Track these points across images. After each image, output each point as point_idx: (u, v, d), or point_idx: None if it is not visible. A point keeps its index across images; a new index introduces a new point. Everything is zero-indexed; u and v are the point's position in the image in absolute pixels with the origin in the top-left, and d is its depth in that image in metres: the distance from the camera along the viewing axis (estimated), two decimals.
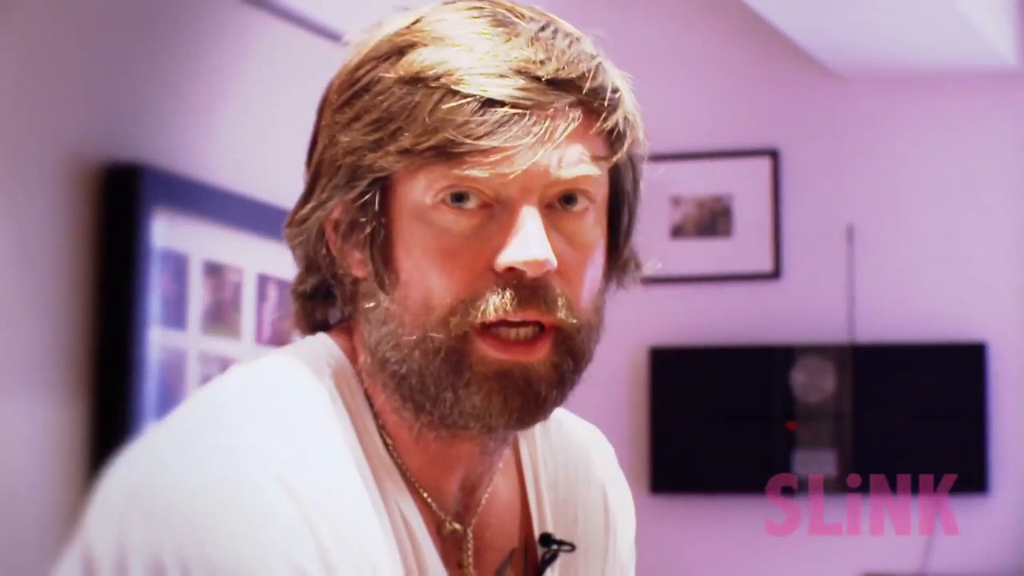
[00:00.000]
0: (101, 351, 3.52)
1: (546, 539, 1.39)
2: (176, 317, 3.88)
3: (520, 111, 1.20)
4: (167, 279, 3.84)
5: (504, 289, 1.20)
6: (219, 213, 4.01)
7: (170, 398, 3.43)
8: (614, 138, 1.28)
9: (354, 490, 1.26)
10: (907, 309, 5.41)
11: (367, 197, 1.24)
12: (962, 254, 5.38)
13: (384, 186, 1.25)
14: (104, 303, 3.56)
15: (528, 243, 1.19)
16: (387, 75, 1.23)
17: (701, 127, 5.48)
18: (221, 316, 4.01)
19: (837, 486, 5.12)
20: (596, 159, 1.25)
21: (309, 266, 1.32)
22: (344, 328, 1.34)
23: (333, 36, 4.19)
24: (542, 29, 1.24)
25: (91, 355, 3.51)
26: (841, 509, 5.25)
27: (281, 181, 3.59)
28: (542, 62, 1.22)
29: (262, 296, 4.07)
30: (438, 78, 1.20)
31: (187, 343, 3.82)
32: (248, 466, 1.19)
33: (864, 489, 5.18)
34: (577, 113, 1.23)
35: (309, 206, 1.28)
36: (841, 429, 5.11)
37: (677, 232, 5.29)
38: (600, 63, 1.28)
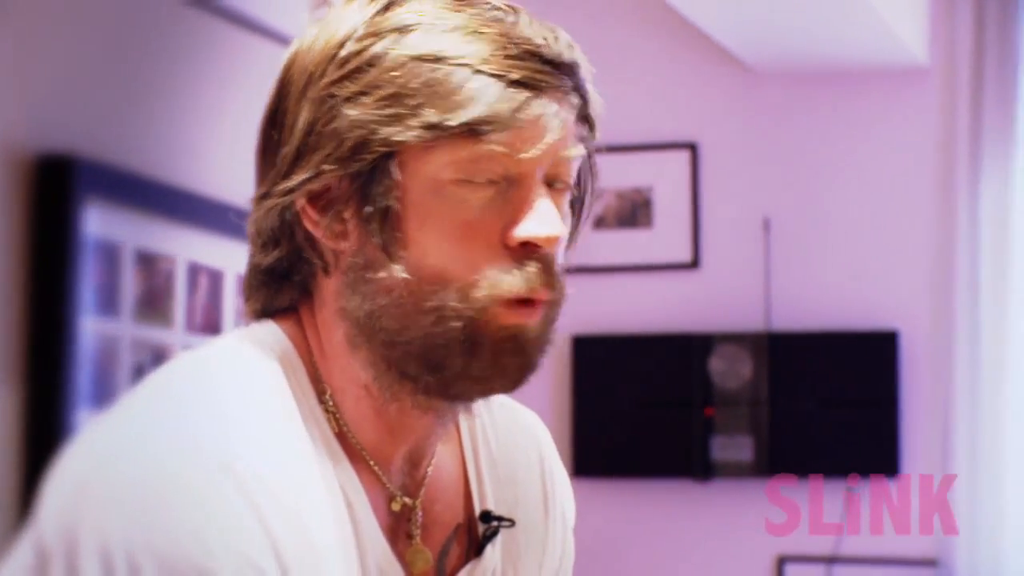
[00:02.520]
0: (34, 340, 3.50)
1: (487, 516, 1.42)
2: (109, 305, 3.86)
3: (536, 92, 1.23)
4: (99, 268, 3.88)
5: (525, 265, 1.24)
6: (151, 203, 3.98)
7: (104, 386, 3.41)
8: (591, 125, 1.33)
9: (301, 476, 1.28)
10: (822, 298, 5.45)
11: (377, 169, 1.25)
12: (874, 245, 5.46)
13: (393, 159, 1.25)
14: (37, 292, 3.56)
15: (546, 218, 1.23)
16: (396, 51, 1.25)
17: (621, 121, 5.64)
18: (153, 304, 4.01)
19: (753, 471, 5.12)
20: (581, 141, 1.33)
21: (272, 241, 1.33)
22: (291, 315, 1.34)
23: (268, 33, 4.16)
24: (519, 16, 1.25)
25: (25, 344, 3.51)
26: (758, 493, 5.23)
27: (212, 171, 3.88)
28: (548, 45, 1.25)
29: (193, 285, 4.11)
30: (461, 57, 1.23)
31: (120, 331, 3.79)
32: (197, 455, 1.21)
33: (779, 473, 5.19)
34: (576, 97, 1.28)
35: (295, 180, 1.27)
36: (758, 415, 5.12)
37: (599, 223, 5.31)
38: (578, 50, 1.35)
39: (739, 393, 5.15)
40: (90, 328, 3.78)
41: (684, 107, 5.53)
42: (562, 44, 1.28)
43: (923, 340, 5.39)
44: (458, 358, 1.25)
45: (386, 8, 1.28)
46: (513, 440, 1.52)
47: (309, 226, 1.30)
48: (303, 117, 1.28)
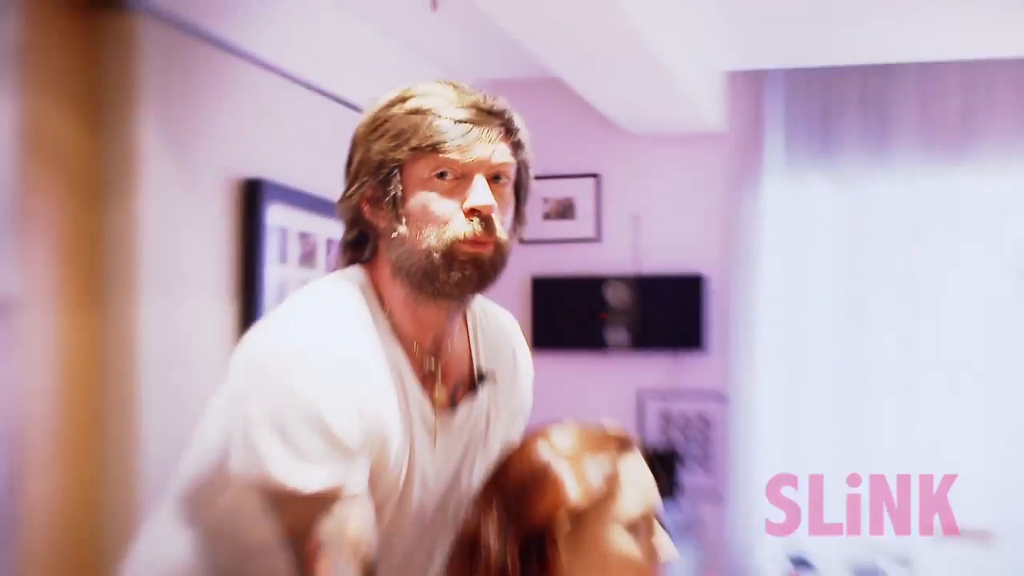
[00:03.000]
0: (244, 278, 4.25)
1: (480, 373, 1.89)
2: (282, 259, 4.68)
3: (474, 126, 1.73)
4: (277, 240, 4.65)
5: (472, 222, 1.73)
6: (304, 206, 4.77)
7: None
8: (518, 147, 1.80)
9: (370, 354, 1.73)
10: (661, 256, 6.54)
11: (391, 175, 1.73)
12: (694, 226, 6.47)
13: (398, 170, 1.73)
14: (245, 252, 4.26)
15: (481, 196, 1.72)
16: (397, 111, 1.75)
17: (560, 161, 6.59)
18: (307, 259, 4.89)
19: (627, 348, 6.50)
20: (511, 155, 1.77)
21: (350, 225, 1.83)
22: (366, 263, 1.83)
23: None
24: (471, 88, 1.77)
25: (239, 281, 4.24)
26: (630, 359, 6.56)
27: (329, 185, 3.67)
28: (484, 100, 1.76)
29: (327, 249, 4.99)
30: (428, 110, 1.72)
31: (288, 274, 4.58)
32: (309, 348, 1.69)
33: (641, 347, 6.49)
34: (501, 130, 1.77)
35: (353, 188, 1.78)
36: (631, 319, 6.47)
37: (547, 216, 6.61)
38: (510, 108, 1.79)
39: (620, 307, 6.49)
40: (272, 272, 4.44)
41: (592, 153, 6.59)
42: (493, 100, 1.77)
43: (722, 284, 6.45)
44: (442, 274, 1.73)
45: (400, 92, 1.79)
46: (496, 330, 1.97)
47: (367, 215, 1.79)
48: (357, 156, 1.79)
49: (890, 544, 5.66)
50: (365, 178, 1.76)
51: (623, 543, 1.64)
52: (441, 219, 1.74)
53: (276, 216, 4.61)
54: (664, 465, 6.12)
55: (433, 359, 1.82)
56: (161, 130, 3.73)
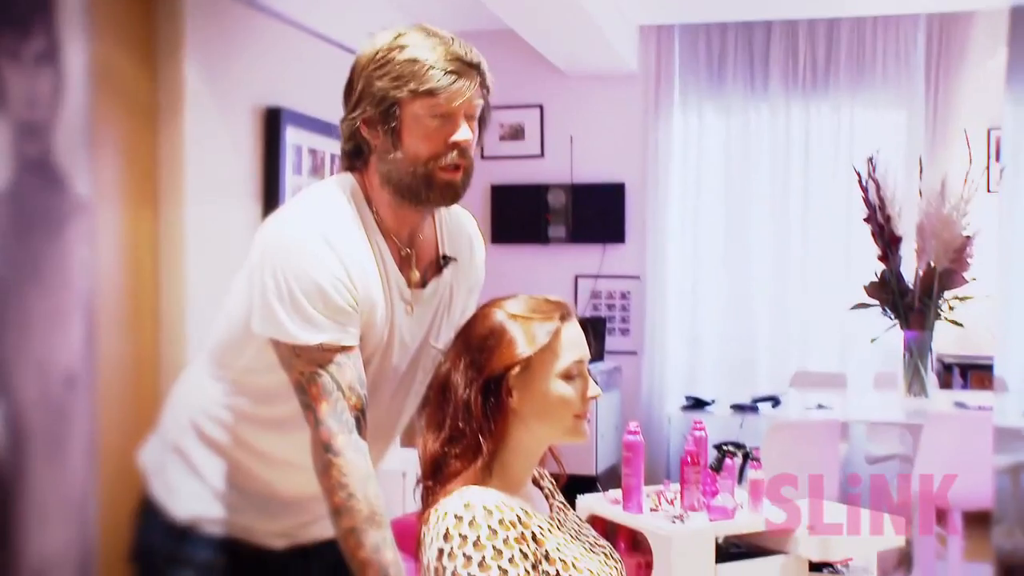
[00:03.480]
0: (266, 183, 4.26)
1: (445, 256, 1.84)
2: (297, 169, 4.68)
3: (459, 77, 1.68)
4: (293, 155, 4.63)
5: (453, 152, 1.69)
6: (314, 129, 4.72)
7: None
8: (486, 92, 1.74)
9: (359, 240, 1.70)
10: (591, 168, 6.49)
11: (391, 109, 1.68)
12: (617, 146, 6.47)
13: (396, 104, 1.68)
14: (267, 163, 4.28)
15: (464, 132, 1.68)
16: (397, 56, 1.68)
17: (513, 94, 6.48)
18: (316, 170, 4.88)
19: (564, 240, 6.46)
20: (482, 99, 1.72)
21: (348, 139, 1.75)
22: (359, 170, 1.77)
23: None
24: (458, 39, 1.70)
25: (265, 185, 4.23)
26: (565, 250, 6.52)
27: (331, 111, 3.98)
28: (466, 54, 1.70)
29: (332, 163, 4.94)
30: (425, 60, 1.67)
31: (302, 182, 4.53)
32: (311, 231, 1.67)
33: (575, 240, 6.47)
34: (478, 80, 1.71)
35: (356, 112, 1.72)
36: (567, 219, 6.49)
37: (502, 138, 6.60)
38: (482, 59, 1.72)
39: (559, 208, 6.48)
40: (289, 180, 4.45)
41: (537, 88, 6.51)
42: (472, 53, 1.71)
43: (638, 190, 6.39)
44: (423, 191, 1.71)
45: (395, 38, 1.70)
46: (457, 223, 1.92)
47: (364, 133, 1.72)
48: (359, 85, 1.71)
49: (763, 389, 5.78)
50: (366, 106, 1.69)
51: (561, 386, 1.62)
52: (429, 149, 1.69)
53: (292, 136, 4.62)
54: (594, 330, 6.21)
55: (409, 247, 1.78)
56: (202, 68, 3.75)
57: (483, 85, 1.72)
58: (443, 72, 1.66)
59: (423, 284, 1.80)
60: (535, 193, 6.50)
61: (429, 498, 1.62)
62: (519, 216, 6.52)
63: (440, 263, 1.84)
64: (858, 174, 5.07)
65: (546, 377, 1.61)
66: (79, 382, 0.72)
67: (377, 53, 1.69)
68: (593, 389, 1.64)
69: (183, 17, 3.71)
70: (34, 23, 0.70)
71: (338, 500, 1.59)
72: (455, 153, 1.69)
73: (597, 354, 6.15)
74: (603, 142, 6.45)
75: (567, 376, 1.63)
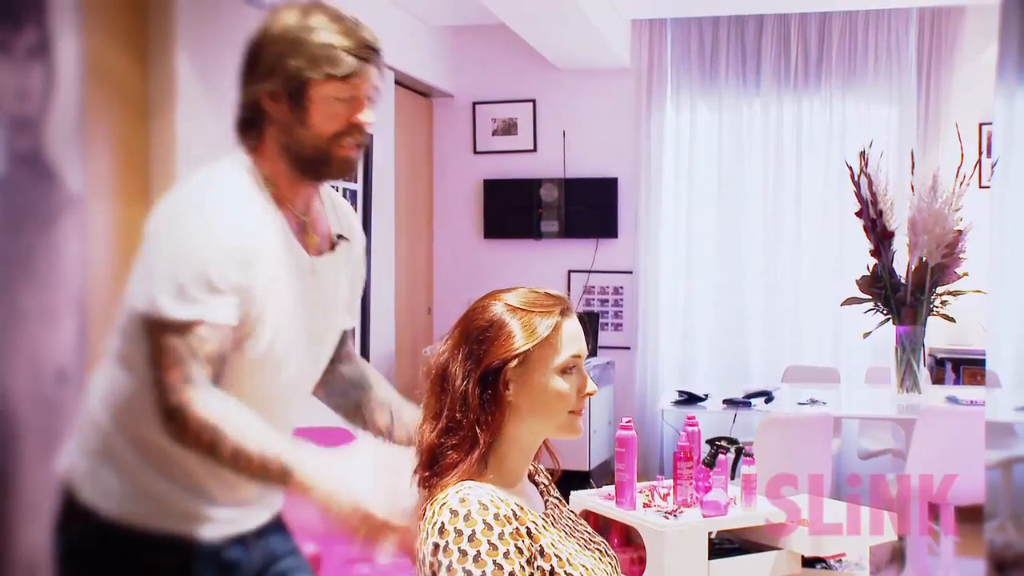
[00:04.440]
0: None
1: (340, 236, 1.91)
2: None
3: (366, 63, 1.76)
4: None
5: (354, 129, 1.76)
6: None
7: None
8: (381, 72, 1.77)
9: (257, 211, 1.74)
10: (585, 162, 6.47)
11: (302, 88, 1.73)
12: (610, 139, 6.44)
13: (308, 84, 1.73)
14: None
15: (369, 114, 1.75)
16: (310, 38, 1.73)
17: (510, 88, 6.57)
18: None
19: (557, 236, 6.47)
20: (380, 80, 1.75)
21: (246, 109, 1.79)
22: (254, 147, 1.79)
23: None
24: (361, 23, 1.77)
25: None
26: (559, 245, 6.50)
27: None
28: (368, 39, 1.76)
29: None
30: (337, 46, 1.73)
31: None
32: (192, 210, 1.69)
33: (567, 235, 6.45)
34: (378, 63, 1.78)
35: (262, 85, 1.75)
36: (560, 213, 6.43)
37: (495, 133, 6.60)
38: (377, 40, 1.75)
39: (551, 203, 6.46)
40: None
41: (530, 83, 6.49)
42: (372, 37, 1.77)
43: (630, 184, 6.38)
44: (324, 166, 1.76)
45: (304, 17, 1.74)
46: (340, 203, 1.99)
47: (265, 105, 1.76)
48: (268, 60, 1.74)
49: (756, 384, 5.74)
50: (276, 81, 1.73)
51: (558, 381, 1.61)
52: (334, 126, 1.75)
53: None
54: (587, 326, 6.18)
55: (304, 216, 1.82)
56: (194, 63, 3.76)
57: (380, 68, 1.79)
58: (355, 58, 1.72)
59: (320, 253, 1.83)
60: (527, 188, 6.49)
61: (425, 490, 1.61)
62: (511, 211, 6.52)
63: (333, 240, 1.87)
64: (850, 169, 5.07)
65: (544, 371, 1.61)
66: (71, 377, 0.72)
67: (288, 32, 1.73)
68: (590, 385, 1.64)
69: (175, 11, 3.71)
70: (26, 17, 0.69)
71: (206, 439, 1.59)
72: (357, 132, 1.75)
73: (590, 350, 6.14)
74: (596, 137, 6.44)
75: (564, 371, 1.62)
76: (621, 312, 6.49)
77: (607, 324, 6.50)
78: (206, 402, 1.58)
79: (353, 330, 5.07)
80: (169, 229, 1.66)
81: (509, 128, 6.62)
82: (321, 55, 1.71)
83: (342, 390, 1.97)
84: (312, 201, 1.83)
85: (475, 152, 6.61)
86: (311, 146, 1.73)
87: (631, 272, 6.42)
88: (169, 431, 1.59)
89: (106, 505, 1.69)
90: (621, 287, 6.48)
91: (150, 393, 1.60)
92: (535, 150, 6.58)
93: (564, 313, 1.65)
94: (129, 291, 1.69)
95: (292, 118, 1.73)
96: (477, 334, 1.62)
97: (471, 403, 1.61)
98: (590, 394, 1.65)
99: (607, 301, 6.52)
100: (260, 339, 1.69)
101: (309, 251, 1.80)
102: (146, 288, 1.62)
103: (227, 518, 1.77)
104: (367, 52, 1.74)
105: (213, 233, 1.64)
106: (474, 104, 6.58)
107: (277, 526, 1.90)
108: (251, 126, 1.78)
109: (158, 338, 1.60)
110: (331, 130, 1.73)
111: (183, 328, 1.60)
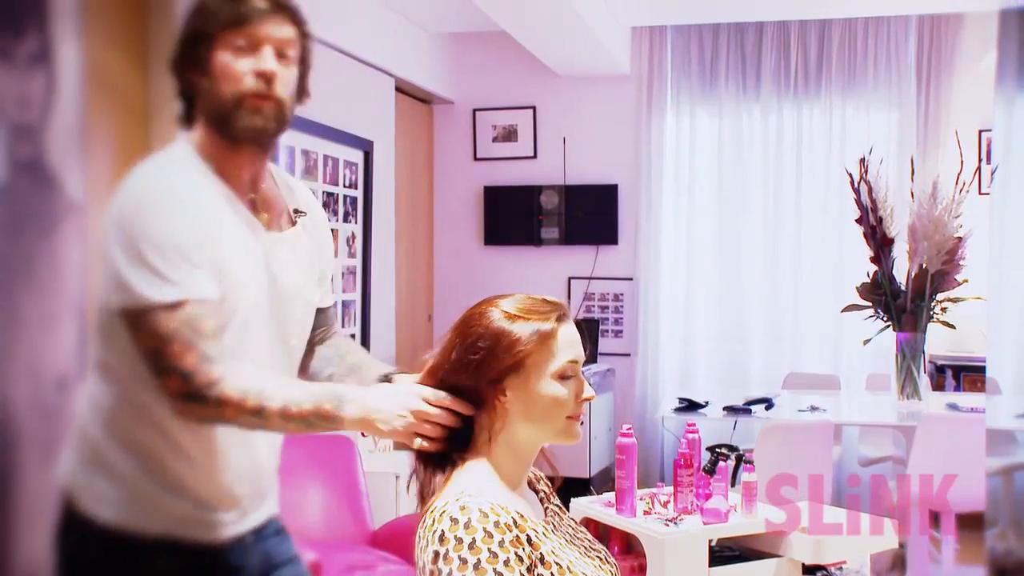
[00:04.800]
0: None
1: (297, 210, 1.88)
2: (291, 169, 4.20)
3: (268, 11, 1.72)
4: (287, 155, 4.47)
5: (259, 81, 1.71)
6: (306, 129, 4.61)
7: None
8: (303, 34, 1.79)
9: (205, 190, 1.71)
10: (584, 169, 6.45)
11: (202, 47, 1.72)
12: (611, 145, 6.44)
13: (205, 39, 1.71)
14: None
15: (266, 62, 1.70)
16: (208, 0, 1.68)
17: (510, 95, 6.58)
18: (310, 171, 4.79)
19: (557, 242, 6.47)
20: (295, 36, 1.75)
21: (181, 93, 1.79)
22: (190, 124, 1.80)
23: None
24: None
25: None
26: (558, 252, 6.49)
27: (324, 114, 4.56)
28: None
29: (326, 163, 4.95)
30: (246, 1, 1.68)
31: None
32: (149, 192, 1.66)
33: (568, 242, 6.47)
34: (287, 17, 1.75)
35: (178, 52, 1.75)
36: (560, 220, 6.44)
37: (495, 139, 6.57)
38: (298, 7, 1.75)
39: (552, 210, 6.43)
40: None
41: (530, 89, 6.51)
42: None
43: (629, 189, 6.37)
44: (232, 124, 1.71)
45: None
46: (294, 185, 1.94)
47: (192, 79, 1.76)
48: (184, 37, 1.74)
49: (756, 391, 5.74)
50: (187, 49, 1.73)
51: (555, 387, 1.59)
52: (235, 85, 1.70)
53: (285, 138, 4.50)
54: (587, 333, 6.19)
55: (252, 193, 1.78)
56: None
57: (299, 28, 1.76)
58: (249, 7, 1.71)
59: (281, 230, 1.80)
60: (528, 194, 6.49)
61: (427, 489, 1.62)
62: (512, 217, 6.52)
63: (292, 217, 1.84)
64: (850, 175, 5.08)
65: (541, 377, 1.60)
66: (71, 384, 0.71)
67: (196, 3, 1.73)
68: (588, 391, 1.62)
69: (176, 18, 3.70)
70: (27, 24, 0.69)
71: (251, 406, 1.57)
72: (261, 81, 1.70)
73: (590, 356, 6.17)
74: (596, 143, 6.45)
75: (562, 377, 1.61)
76: (621, 319, 6.48)
77: (607, 331, 6.50)
78: (237, 372, 1.57)
79: (352, 335, 5.16)
80: (123, 216, 1.61)
81: (509, 135, 6.61)
82: (219, 8, 1.70)
83: (318, 369, 1.93)
84: (259, 179, 1.79)
85: (475, 159, 6.62)
86: (218, 104, 1.70)
87: (631, 279, 6.41)
88: (203, 414, 1.58)
89: (104, 513, 1.67)
90: (621, 294, 6.47)
91: (162, 384, 1.57)
92: (535, 157, 6.58)
93: (561, 319, 1.64)
94: (100, 293, 1.64)
95: (203, 82, 1.71)
96: (473, 341, 1.61)
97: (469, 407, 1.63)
98: (588, 399, 1.64)
99: (607, 308, 6.50)
100: (224, 317, 1.66)
101: (265, 225, 1.79)
102: (118, 282, 1.58)
103: (222, 521, 1.75)
104: (269, 4, 1.71)
105: (170, 209, 1.62)
106: (474, 111, 6.57)
107: (277, 531, 1.88)
108: (187, 101, 1.77)
109: (150, 327, 1.57)
110: (232, 86, 1.69)
111: (171, 309, 1.57)
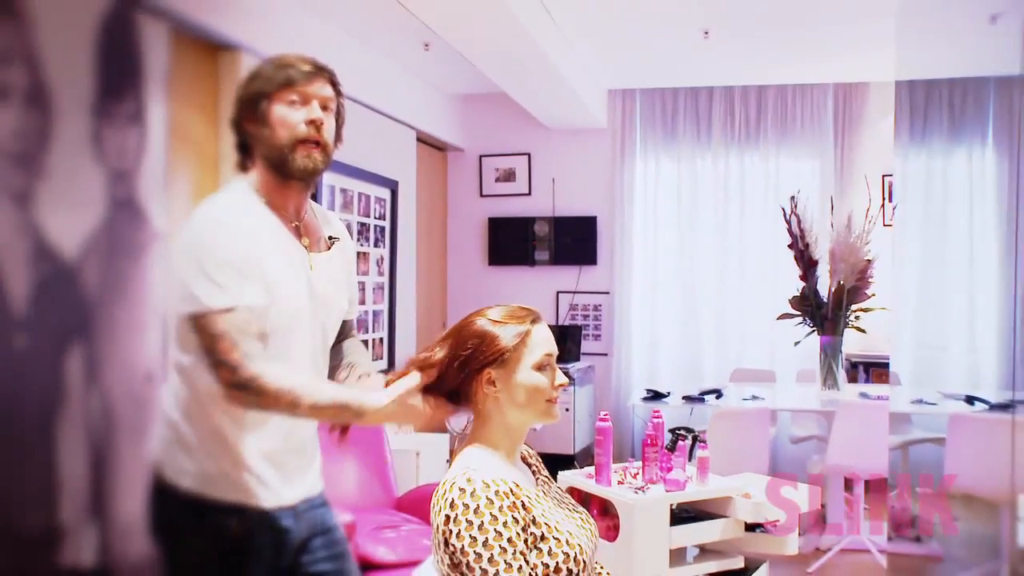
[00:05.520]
0: None
1: (331, 237, 1.84)
2: (332, 205, 4.47)
3: (315, 73, 1.71)
4: (329, 193, 4.38)
5: (310, 129, 1.69)
6: (344, 171, 4.50)
7: None
8: (338, 92, 1.76)
9: (256, 220, 1.68)
10: (568, 203, 6.36)
11: (262, 103, 1.69)
12: (590, 189, 6.31)
13: (265, 97, 1.69)
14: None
15: (314, 112, 1.69)
16: (266, 66, 1.72)
17: (507, 143, 6.42)
18: (347, 206, 4.69)
19: (548, 262, 6.33)
20: (333, 94, 1.73)
21: (237, 134, 1.75)
22: (247, 167, 1.76)
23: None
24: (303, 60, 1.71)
25: None
26: (549, 272, 6.32)
27: (357, 159, 4.37)
28: (317, 61, 1.74)
29: (361, 200, 4.86)
30: (288, 65, 1.72)
31: (334, 215, 4.45)
32: (216, 217, 1.64)
33: (556, 263, 6.29)
34: (327, 79, 1.73)
35: (240, 109, 1.73)
36: (550, 245, 6.34)
37: (497, 180, 6.46)
38: (333, 71, 1.73)
39: (543, 237, 6.36)
40: None
41: (526, 139, 6.40)
42: (322, 63, 1.72)
43: (607, 222, 6.25)
44: (288, 165, 1.69)
45: (269, 59, 1.72)
46: (329, 217, 1.89)
47: (249, 129, 1.73)
48: (243, 95, 1.74)
49: (708, 383, 5.68)
50: (249, 104, 1.72)
51: (534, 375, 1.59)
52: (293, 134, 1.70)
53: (327, 179, 4.57)
54: (572, 336, 6.20)
55: (296, 221, 1.75)
56: None
57: (335, 88, 1.75)
58: (300, 71, 1.70)
59: (318, 251, 1.77)
60: (524, 224, 6.43)
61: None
62: (511, 243, 6.44)
63: (327, 241, 1.81)
64: (783, 210, 5.10)
65: (522, 369, 1.59)
66: (156, 378, 0.72)
67: (255, 69, 1.74)
68: (560, 378, 1.61)
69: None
70: (126, 89, 0.70)
71: (286, 400, 1.54)
72: (313, 130, 1.69)
73: (575, 355, 6.07)
74: (579, 183, 6.38)
75: (539, 368, 1.60)
76: (600, 325, 6.38)
77: (588, 335, 6.38)
78: (274, 372, 1.54)
79: (381, 339, 5.12)
80: (191, 241, 1.60)
81: (509, 176, 6.53)
82: (274, 74, 1.69)
83: (332, 367, 1.88)
84: (302, 210, 1.76)
85: (481, 195, 6.58)
86: (276, 148, 1.68)
87: (608, 292, 6.33)
88: (246, 401, 1.55)
89: (184, 483, 1.67)
90: (600, 305, 6.37)
91: (216, 375, 1.54)
92: (530, 194, 6.51)
93: (535, 321, 1.65)
94: (171, 305, 1.62)
95: (263, 131, 1.69)
96: (464, 342, 1.62)
97: (465, 397, 1.64)
98: (562, 386, 1.64)
99: (588, 316, 6.39)
100: (273, 322, 1.64)
101: (307, 248, 1.76)
102: (184, 293, 1.56)
103: (275, 490, 1.72)
104: (313, 67, 1.70)
105: (228, 234, 1.60)
106: (480, 156, 6.53)
107: (323, 503, 1.85)
108: (243, 151, 1.74)
109: (208, 328, 1.54)
110: (288, 132, 1.67)
111: (225, 313, 1.55)
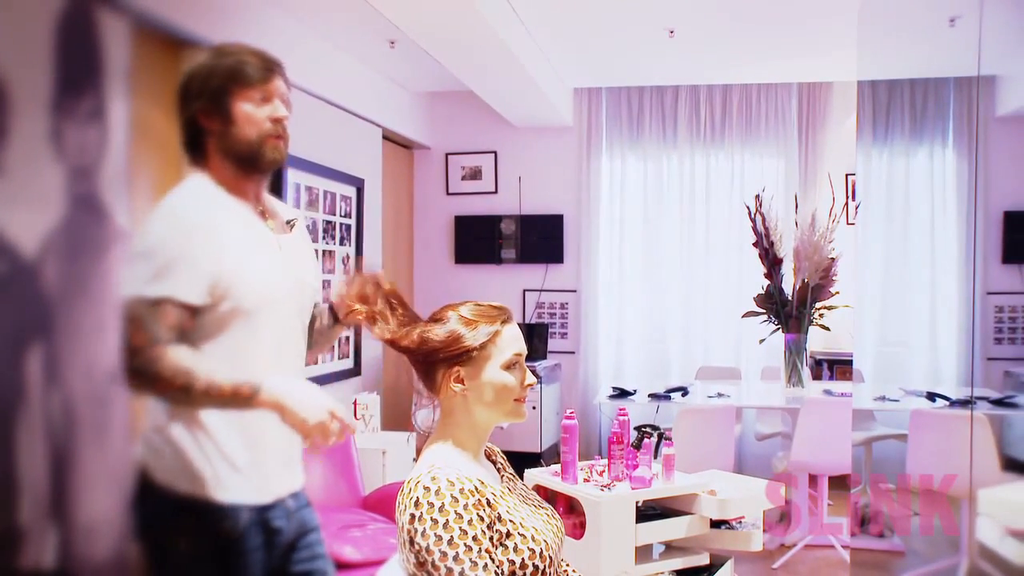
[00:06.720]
0: None
1: (289, 220, 1.83)
2: (297, 203, 4.41)
3: (271, 72, 1.72)
4: (294, 191, 4.33)
5: (276, 125, 1.71)
6: (309, 169, 4.44)
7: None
8: (288, 86, 1.75)
9: (215, 208, 1.67)
10: (536, 202, 6.33)
11: (224, 101, 1.70)
12: (557, 189, 6.31)
13: (227, 95, 1.70)
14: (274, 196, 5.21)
15: (279, 110, 1.72)
16: (222, 62, 1.71)
17: (475, 143, 6.37)
18: (312, 204, 4.61)
19: (515, 261, 6.31)
20: (287, 89, 1.73)
21: (187, 128, 1.74)
22: (201, 160, 1.75)
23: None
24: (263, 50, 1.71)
25: None
26: (515, 270, 6.28)
27: (322, 157, 4.33)
28: (272, 58, 1.74)
29: (325, 197, 4.77)
30: (247, 63, 1.71)
31: (299, 213, 5.19)
32: (169, 209, 1.64)
33: (523, 261, 6.28)
34: (283, 75, 1.74)
35: (192, 103, 1.71)
36: (517, 243, 6.34)
37: (463, 178, 6.43)
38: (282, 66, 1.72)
39: (509, 235, 6.23)
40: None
41: (492, 137, 6.37)
42: (274, 57, 1.74)
43: (574, 221, 6.27)
44: (257, 160, 1.71)
45: (218, 50, 1.73)
46: (280, 204, 1.87)
47: (203, 124, 1.72)
48: (193, 88, 1.73)
49: (674, 381, 5.66)
50: (204, 101, 1.71)
51: (503, 375, 1.59)
52: (256, 130, 1.72)
53: (292, 176, 4.54)
54: (539, 334, 6.21)
55: (259, 205, 1.78)
56: None
57: (284, 78, 1.78)
58: (262, 70, 1.73)
59: (283, 233, 1.78)
60: (490, 223, 6.39)
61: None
62: (477, 241, 6.40)
63: (288, 223, 1.82)
64: (748, 209, 5.17)
65: (491, 367, 1.59)
66: (119, 378, 0.72)
67: (207, 61, 1.73)
68: (529, 377, 1.61)
69: None
70: (86, 86, 0.70)
71: (180, 382, 1.52)
72: (277, 126, 1.73)
73: (542, 353, 6.05)
74: (545, 181, 6.37)
75: (508, 367, 1.60)
76: (567, 323, 6.37)
77: (555, 333, 6.38)
78: (175, 352, 1.53)
79: (348, 337, 5.08)
80: (147, 232, 1.60)
81: (475, 174, 6.49)
82: (230, 69, 1.69)
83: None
84: (260, 195, 1.78)
85: (447, 193, 6.58)
86: (244, 145, 1.69)
87: (575, 291, 6.32)
88: (140, 385, 1.53)
89: (175, 483, 1.66)
90: (566, 303, 6.36)
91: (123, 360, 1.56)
92: (496, 192, 6.48)
93: (505, 321, 1.64)
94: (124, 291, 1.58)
95: (224, 127, 1.69)
96: (434, 338, 1.61)
97: (433, 391, 1.64)
98: (531, 385, 1.64)
99: (555, 314, 6.38)
100: (235, 299, 1.63)
101: (273, 230, 1.77)
102: (130, 281, 1.56)
103: (264, 487, 1.73)
104: (271, 65, 1.72)
105: (181, 228, 1.59)
106: (447, 154, 6.50)
107: (308, 504, 1.85)
108: (194, 144, 1.73)
109: (130, 311, 1.53)
110: (256, 129, 1.69)
111: (154, 303, 1.55)
